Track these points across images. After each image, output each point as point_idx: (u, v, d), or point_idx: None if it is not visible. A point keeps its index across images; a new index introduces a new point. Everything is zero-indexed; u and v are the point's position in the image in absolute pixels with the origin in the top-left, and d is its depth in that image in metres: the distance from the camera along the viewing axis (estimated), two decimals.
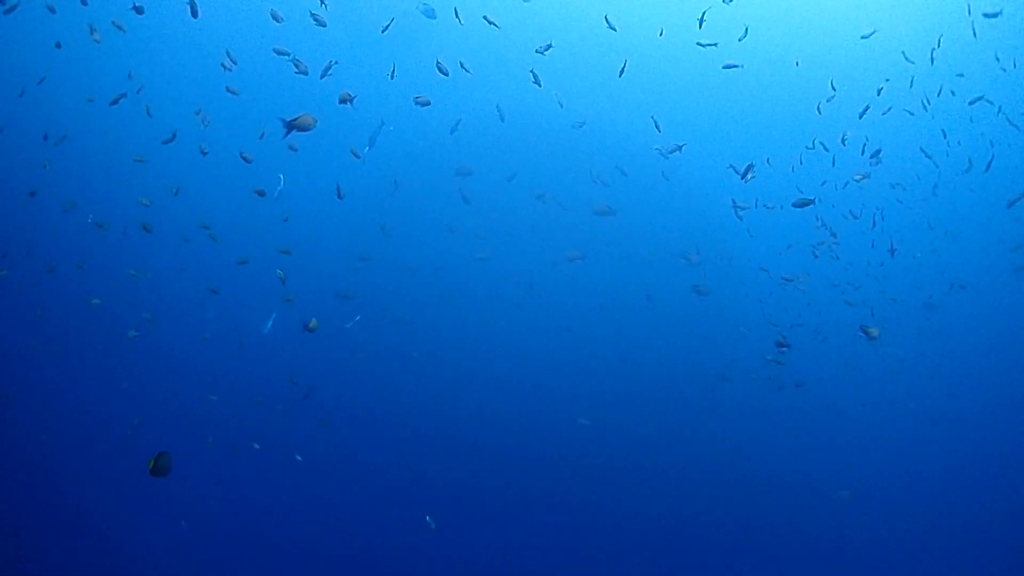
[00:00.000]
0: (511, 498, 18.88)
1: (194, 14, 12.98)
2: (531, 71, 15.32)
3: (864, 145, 14.90)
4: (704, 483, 18.92)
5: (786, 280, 16.29)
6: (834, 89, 16.31)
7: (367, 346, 19.80)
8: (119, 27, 16.64)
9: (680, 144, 11.33)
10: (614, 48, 20.58)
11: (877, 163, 16.87)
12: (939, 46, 18.51)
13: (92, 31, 15.36)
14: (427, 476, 18.95)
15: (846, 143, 15.25)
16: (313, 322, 17.98)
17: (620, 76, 15.77)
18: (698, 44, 15.57)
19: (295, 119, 10.49)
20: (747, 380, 17.40)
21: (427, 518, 18.71)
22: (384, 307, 19.35)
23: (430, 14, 18.00)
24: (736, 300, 18.77)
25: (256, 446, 17.49)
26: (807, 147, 19.14)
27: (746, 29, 16.80)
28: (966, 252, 19.81)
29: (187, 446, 18.44)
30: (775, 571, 18.25)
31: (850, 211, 18.49)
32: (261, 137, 18.43)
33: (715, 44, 15.40)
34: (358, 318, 19.22)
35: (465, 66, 15.19)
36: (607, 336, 20.05)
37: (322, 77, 15.52)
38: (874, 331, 13.91)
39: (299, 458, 17.64)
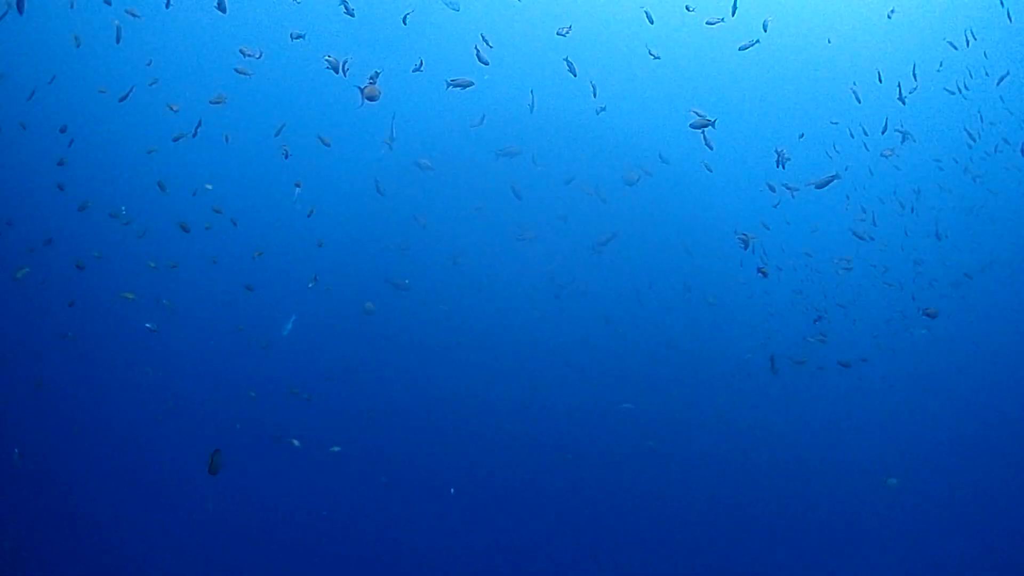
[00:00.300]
0: (552, 488, 18.68)
1: (222, 9, 12.52)
2: (565, 59, 14.90)
3: (887, 125, 14.63)
4: (747, 469, 18.77)
5: (844, 262, 16.02)
6: (880, 80, 16.00)
7: (404, 336, 19.55)
8: (133, 15, 16.12)
9: (711, 119, 10.85)
10: (637, 29, 20.28)
11: (905, 140, 16.60)
12: (972, 30, 18.26)
13: (115, 23, 14.92)
14: (465, 468, 18.72)
15: (884, 130, 14.94)
16: (369, 304, 17.68)
17: (653, 57, 15.36)
18: (707, 23, 15.19)
19: (365, 87, 10.07)
20: (790, 365, 17.18)
21: (451, 490, 18.53)
22: (420, 297, 19.08)
23: (453, 5, 17.58)
24: (775, 284, 18.58)
25: (295, 442, 17.19)
26: (832, 122, 18.86)
27: (767, 20, 16.55)
28: (1000, 233, 19.60)
29: (220, 441, 18.10)
30: (817, 558, 18.08)
31: (893, 194, 18.27)
32: (277, 134, 17.95)
33: (722, 19, 15.02)
34: (407, 281, 18.83)
35: (488, 41, 14.74)
36: (645, 324, 19.85)
37: (337, 72, 15.03)
38: (932, 311, 13.65)
39: (337, 449, 17.35)
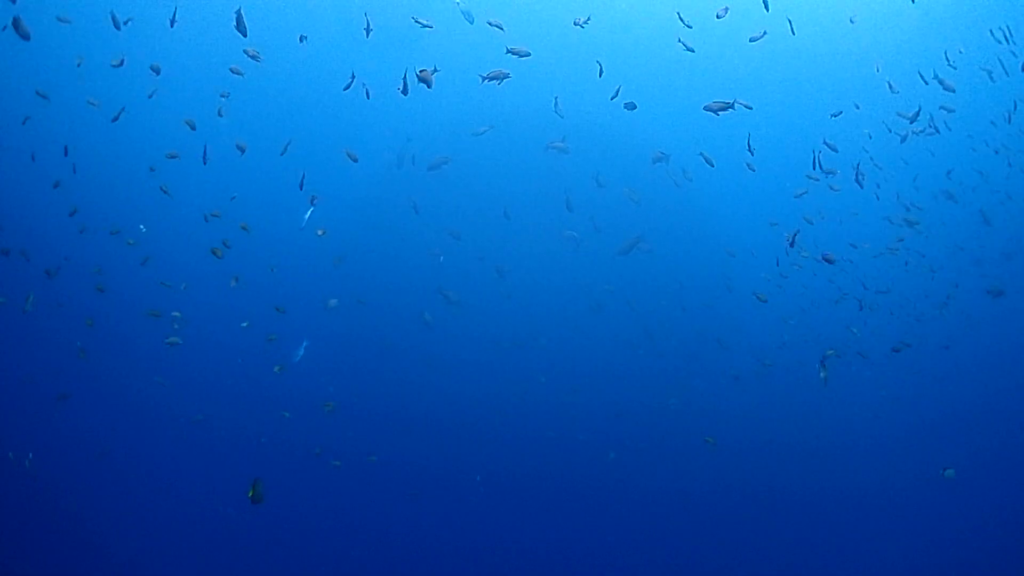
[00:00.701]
0: (604, 487, 18.42)
1: (243, 33, 11.99)
2: (597, 61, 14.44)
3: (919, 112, 14.34)
4: (799, 459, 18.59)
5: (893, 246, 15.72)
6: (926, 82, 15.71)
7: (438, 344, 19.15)
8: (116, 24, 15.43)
9: (729, 102, 10.38)
10: (659, 21, 19.91)
11: (934, 125, 16.30)
12: (996, 11, 18.05)
13: (115, 20, 14.32)
14: (509, 471, 18.39)
15: (914, 120, 14.60)
16: (427, 316, 17.16)
17: (688, 49, 14.91)
18: (717, 16, 14.76)
19: (422, 71, 9.55)
20: (832, 356, 16.96)
21: (477, 478, 18.04)
22: (457, 303, 18.65)
23: (469, 18, 17.12)
24: (810, 276, 18.32)
25: (336, 463, 16.73)
26: (856, 106, 18.56)
27: (790, 22, 16.25)
28: None
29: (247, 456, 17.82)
30: (868, 545, 17.86)
31: (921, 180, 18.09)
32: (282, 153, 17.37)
33: (727, 9, 14.61)
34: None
35: (499, 24, 14.34)
36: (689, 323, 19.57)
37: (345, 89, 14.49)
38: (996, 289, 13.33)
39: (373, 458, 17.03)
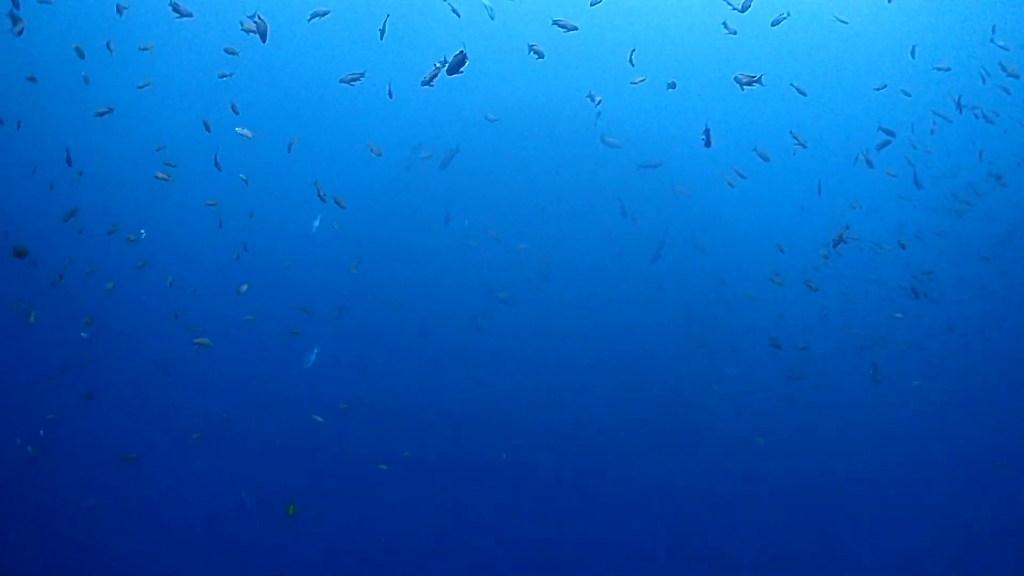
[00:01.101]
0: (647, 483, 18.13)
1: (263, 38, 11.27)
2: (631, 51, 13.76)
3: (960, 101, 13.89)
4: (854, 449, 18.28)
5: (939, 234, 15.43)
6: (983, 80, 15.27)
7: (477, 345, 18.68)
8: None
9: (757, 76, 9.94)
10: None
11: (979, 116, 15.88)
12: None
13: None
14: (543, 468, 18.16)
15: (961, 110, 14.09)
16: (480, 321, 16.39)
17: (730, 32, 14.32)
18: (741, 10, 14.21)
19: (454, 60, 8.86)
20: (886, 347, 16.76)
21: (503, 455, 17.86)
22: (503, 299, 18.16)
23: (491, 13, 16.52)
24: (857, 269, 18.04)
25: (383, 466, 16.29)
26: (906, 93, 18.15)
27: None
28: None
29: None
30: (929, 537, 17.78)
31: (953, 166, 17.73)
32: (289, 150, 16.65)
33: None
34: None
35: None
36: (729, 322, 19.25)
37: (353, 83, 13.77)
38: None
39: (407, 454, 16.63)
